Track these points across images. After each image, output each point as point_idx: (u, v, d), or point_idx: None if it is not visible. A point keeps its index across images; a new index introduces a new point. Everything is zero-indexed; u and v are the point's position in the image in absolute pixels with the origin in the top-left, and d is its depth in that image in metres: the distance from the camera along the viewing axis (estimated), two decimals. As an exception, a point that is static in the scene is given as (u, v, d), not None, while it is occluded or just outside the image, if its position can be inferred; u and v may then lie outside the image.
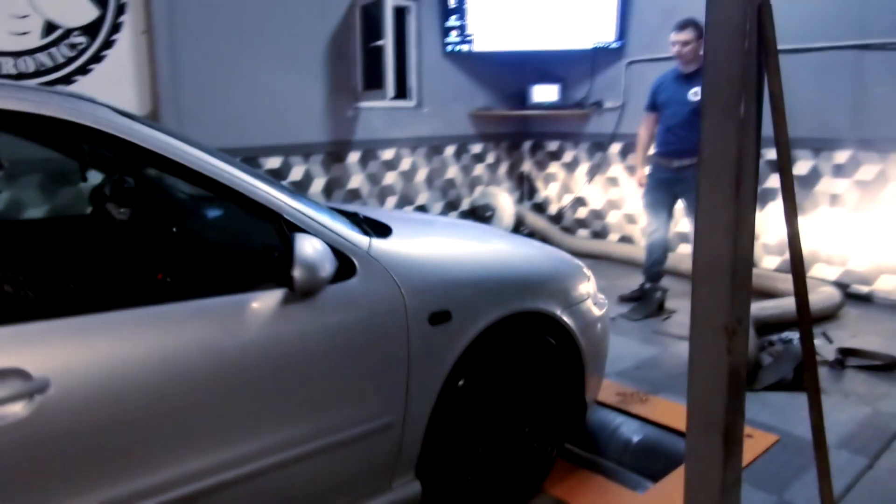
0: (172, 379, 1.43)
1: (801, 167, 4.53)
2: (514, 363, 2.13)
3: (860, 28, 4.10)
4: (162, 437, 1.43)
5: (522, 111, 5.78)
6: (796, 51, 4.35)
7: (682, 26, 4.06)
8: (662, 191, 4.24)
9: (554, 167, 6.15)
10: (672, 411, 2.82)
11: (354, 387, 1.74)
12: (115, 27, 3.87)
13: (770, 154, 4.63)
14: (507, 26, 5.40)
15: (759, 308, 3.81)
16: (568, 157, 6.01)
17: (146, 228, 1.87)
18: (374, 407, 1.77)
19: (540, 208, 6.31)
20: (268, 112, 4.49)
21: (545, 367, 2.21)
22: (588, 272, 2.48)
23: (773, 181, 4.64)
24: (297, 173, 4.76)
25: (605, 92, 5.57)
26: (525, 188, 6.36)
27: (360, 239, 1.80)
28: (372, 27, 4.72)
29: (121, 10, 3.88)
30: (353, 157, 5.10)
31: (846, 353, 3.34)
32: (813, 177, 4.49)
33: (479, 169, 6.00)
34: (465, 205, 5.93)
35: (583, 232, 6.05)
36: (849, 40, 4.16)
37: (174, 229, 1.87)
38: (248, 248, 1.87)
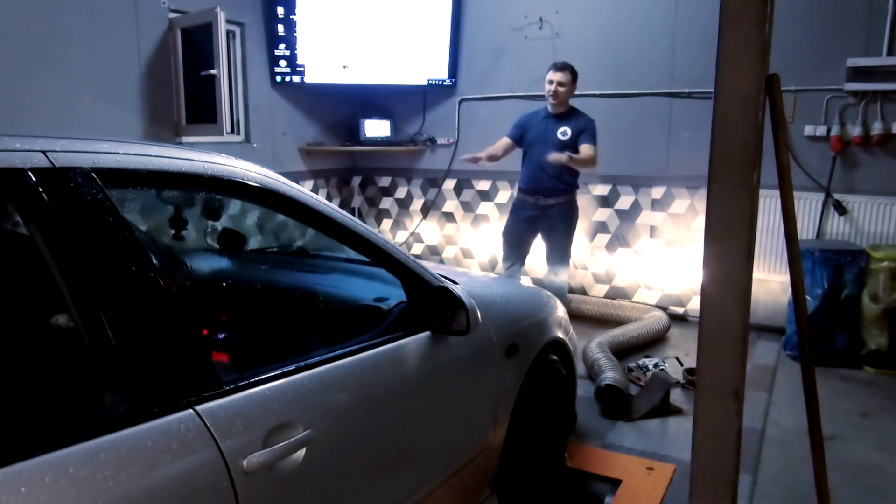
0: (385, 412, 1.60)
1: (623, 202, 4.96)
2: (543, 384, 2.42)
3: (670, 78, 4.62)
4: (384, 467, 1.61)
5: (355, 146, 5.59)
6: (618, 95, 4.77)
7: (561, 68, 4.05)
8: (526, 227, 4.25)
9: (386, 203, 6.06)
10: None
11: (474, 414, 2.01)
12: None
13: (596, 190, 5.01)
14: (340, 58, 5.21)
15: (611, 336, 4.05)
16: (401, 192, 5.96)
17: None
18: (482, 432, 2.04)
19: (373, 244, 6.15)
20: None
21: (556, 385, 2.55)
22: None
23: (600, 215, 5.03)
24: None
25: (438, 128, 5.62)
26: (357, 224, 6.17)
27: (457, 286, 1.95)
28: (195, 53, 4.24)
29: None
30: (176, 197, 4.50)
31: (692, 372, 3.67)
32: (634, 210, 4.93)
33: (310, 206, 5.67)
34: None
35: (418, 267, 6.00)
36: (661, 88, 4.66)
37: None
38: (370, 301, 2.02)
